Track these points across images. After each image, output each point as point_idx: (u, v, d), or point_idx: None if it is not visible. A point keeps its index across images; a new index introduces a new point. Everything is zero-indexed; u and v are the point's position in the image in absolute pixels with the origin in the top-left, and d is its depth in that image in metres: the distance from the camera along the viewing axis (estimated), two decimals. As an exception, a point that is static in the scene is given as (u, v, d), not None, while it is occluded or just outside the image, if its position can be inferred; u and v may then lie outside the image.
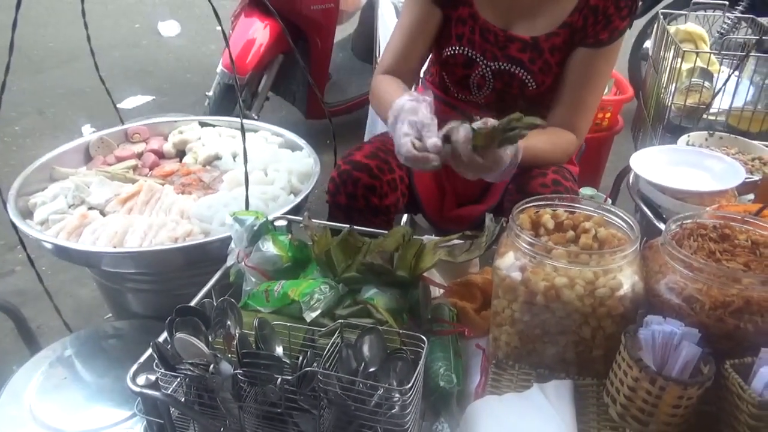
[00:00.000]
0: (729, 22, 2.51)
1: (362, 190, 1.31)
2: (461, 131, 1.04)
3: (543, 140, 1.27)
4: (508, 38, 1.29)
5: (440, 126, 1.08)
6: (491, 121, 1.04)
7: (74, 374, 1.25)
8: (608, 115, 2.16)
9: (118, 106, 1.89)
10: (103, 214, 1.45)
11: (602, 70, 1.29)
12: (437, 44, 1.39)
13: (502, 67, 1.31)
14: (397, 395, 0.78)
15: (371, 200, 1.32)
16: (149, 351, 0.89)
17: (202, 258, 1.30)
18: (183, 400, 0.86)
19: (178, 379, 0.85)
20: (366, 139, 2.33)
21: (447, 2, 1.32)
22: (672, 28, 2.06)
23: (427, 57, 1.44)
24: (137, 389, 0.85)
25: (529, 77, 1.30)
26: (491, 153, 1.05)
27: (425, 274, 1.04)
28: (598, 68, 1.28)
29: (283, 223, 1.25)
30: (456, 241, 1.06)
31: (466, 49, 1.32)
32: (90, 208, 1.45)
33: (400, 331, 0.88)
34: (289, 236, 1.14)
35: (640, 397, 0.77)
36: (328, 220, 1.31)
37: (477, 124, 1.04)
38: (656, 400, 0.76)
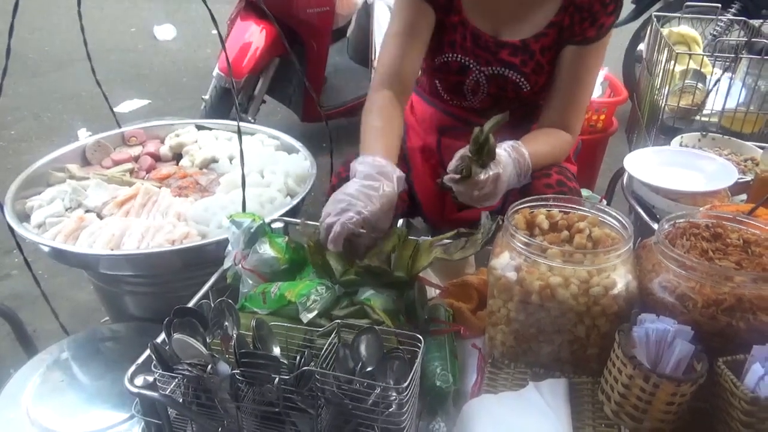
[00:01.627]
0: (722, 24, 2.53)
1: None
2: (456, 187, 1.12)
3: (542, 144, 1.28)
4: (498, 44, 1.30)
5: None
6: (460, 154, 1.11)
7: (71, 377, 1.26)
8: (603, 116, 2.18)
9: (114, 110, 1.90)
10: (100, 217, 1.46)
11: (591, 67, 1.30)
12: (429, 52, 1.37)
13: (496, 72, 1.32)
14: (394, 394, 0.78)
15: None
16: (147, 352, 0.89)
17: (199, 260, 1.30)
18: (181, 400, 0.86)
19: (176, 380, 0.86)
20: (362, 142, 2.33)
21: (439, 7, 1.32)
22: (665, 31, 2.08)
23: (422, 60, 1.43)
24: (135, 390, 0.86)
25: (522, 79, 1.31)
26: (475, 180, 1.10)
27: (421, 275, 1.05)
28: (587, 65, 1.29)
29: (279, 225, 1.26)
30: (451, 239, 1.07)
31: (459, 56, 1.33)
32: (87, 211, 1.45)
33: (397, 331, 0.88)
34: (286, 238, 1.14)
35: (634, 395, 0.78)
36: None
37: (448, 177, 1.12)
38: (650, 397, 0.77)
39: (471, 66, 1.33)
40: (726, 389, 0.76)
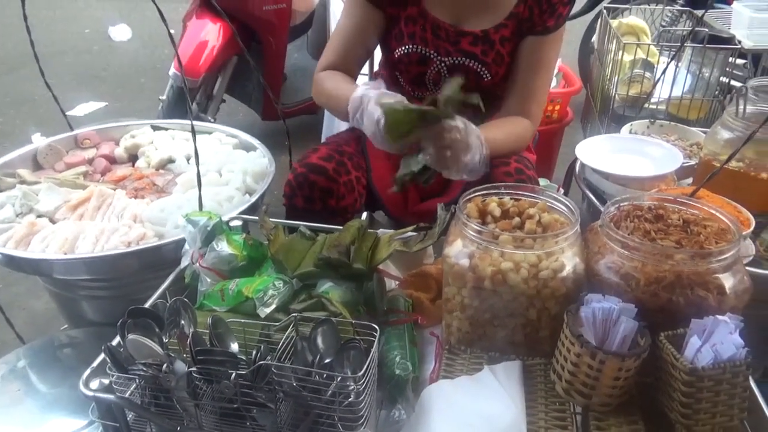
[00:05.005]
0: (670, 15, 2.62)
1: (319, 193, 1.33)
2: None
3: (501, 132, 1.32)
4: (458, 33, 1.33)
5: None
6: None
7: (28, 385, 1.23)
8: (557, 107, 2.22)
9: (69, 113, 1.86)
10: (52, 221, 1.42)
11: (549, 57, 1.35)
12: (388, 45, 1.40)
13: (456, 62, 1.34)
14: (352, 383, 0.80)
15: (328, 203, 1.34)
16: (102, 355, 0.88)
17: (157, 261, 1.29)
18: (139, 402, 0.86)
19: (135, 382, 0.85)
20: (323, 139, 2.34)
21: (395, 2, 1.34)
22: (615, 22, 2.14)
23: (367, 58, 1.47)
24: (90, 394, 0.85)
25: (483, 69, 1.34)
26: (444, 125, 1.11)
27: (381, 266, 1.06)
28: (545, 55, 1.34)
29: (238, 222, 1.25)
30: (410, 233, 1.08)
31: (419, 47, 1.35)
32: (39, 216, 1.42)
33: (353, 322, 0.89)
34: (244, 235, 1.14)
35: (582, 372, 0.81)
36: None
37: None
38: (597, 374, 0.80)
39: (431, 56, 1.35)
40: (668, 362, 0.80)
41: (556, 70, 2.36)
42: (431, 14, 1.33)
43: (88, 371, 0.88)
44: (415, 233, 1.09)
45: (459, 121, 1.13)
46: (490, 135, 1.24)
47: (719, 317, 0.79)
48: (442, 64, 1.35)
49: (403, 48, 1.36)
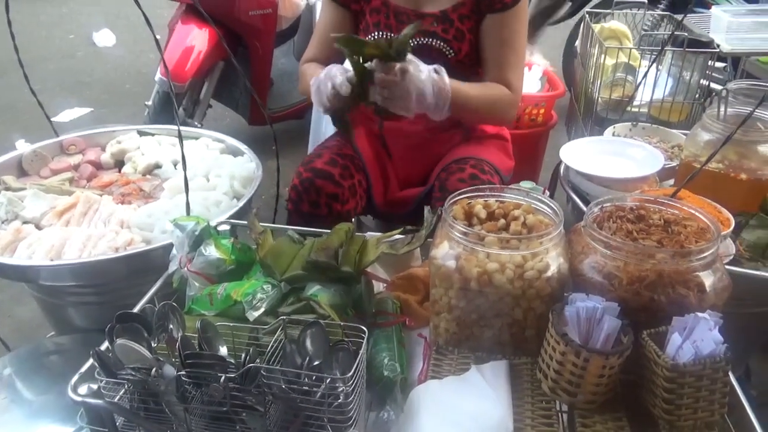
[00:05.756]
0: (652, 19, 2.67)
1: (325, 198, 1.35)
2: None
3: (473, 85, 1.36)
4: (419, 16, 1.40)
5: None
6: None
7: (15, 393, 1.22)
8: (542, 110, 2.25)
9: (54, 119, 1.84)
10: (38, 227, 1.41)
11: (515, 30, 1.40)
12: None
13: (421, 43, 1.41)
14: (341, 385, 0.80)
15: (334, 207, 1.36)
16: (91, 361, 0.88)
17: (145, 267, 1.29)
18: (128, 407, 0.86)
19: (124, 387, 0.85)
20: (311, 143, 2.35)
21: (355, 0, 1.43)
22: (597, 27, 2.17)
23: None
24: (78, 399, 0.85)
25: (445, 46, 1.40)
26: (391, 67, 1.18)
27: (368, 269, 1.07)
28: (511, 28, 1.39)
29: (226, 227, 1.26)
30: (398, 236, 1.10)
31: (384, 33, 1.42)
32: (25, 223, 1.41)
33: (342, 324, 0.90)
34: (232, 239, 1.15)
35: (567, 370, 0.83)
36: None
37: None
38: (582, 372, 0.81)
39: None
40: (650, 359, 0.81)
41: (540, 74, 2.40)
42: (392, 3, 1.42)
43: (76, 377, 0.88)
44: (402, 236, 1.10)
45: (408, 63, 1.19)
46: (460, 85, 1.29)
47: (699, 314, 0.81)
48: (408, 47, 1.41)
49: (371, 36, 1.44)
